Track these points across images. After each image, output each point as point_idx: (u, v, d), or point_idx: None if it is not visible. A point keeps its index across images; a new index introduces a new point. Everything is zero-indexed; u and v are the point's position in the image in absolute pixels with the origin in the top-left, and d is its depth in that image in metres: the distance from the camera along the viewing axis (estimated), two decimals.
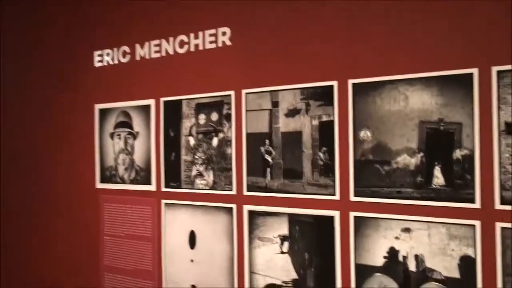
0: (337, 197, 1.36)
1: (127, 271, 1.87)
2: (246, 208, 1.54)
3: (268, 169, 1.50)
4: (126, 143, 1.87)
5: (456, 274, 1.19)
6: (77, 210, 2.01)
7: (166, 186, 1.75)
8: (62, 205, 2.06)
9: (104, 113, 1.93)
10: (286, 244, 1.47)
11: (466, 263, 1.17)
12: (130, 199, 1.86)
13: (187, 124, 1.69)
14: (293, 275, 1.46)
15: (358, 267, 1.33)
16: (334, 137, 1.37)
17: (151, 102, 1.79)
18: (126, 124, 1.87)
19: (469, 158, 1.16)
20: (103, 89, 1.94)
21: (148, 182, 1.80)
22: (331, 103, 1.37)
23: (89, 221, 1.98)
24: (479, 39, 1.16)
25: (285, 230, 1.47)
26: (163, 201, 1.76)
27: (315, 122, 1.40)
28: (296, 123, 1.44)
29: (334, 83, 1.37)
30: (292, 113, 1.45)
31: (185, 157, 1.70)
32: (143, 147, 1.82)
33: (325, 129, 1.38)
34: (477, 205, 1.16)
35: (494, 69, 1.13)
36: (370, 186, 1.31)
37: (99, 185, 1.95)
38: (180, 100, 1.71)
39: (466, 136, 1.17)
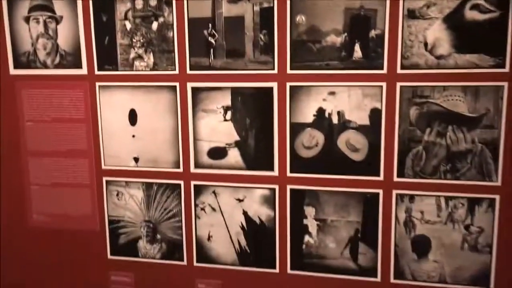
0: (275, 71, 1.67)
1: (57, 153, 1.93)
2: (190, 85, 1.76)
3: (212, 50, 1.71)
4: (46, 27, 1.84)
5: (367, 122, 1.64)
6: None
7: (100, 69, 1.83)
8: None
9: None
10: (229, 113, 1.75)
11: (375, 113, 1.63)
12: (56, 84, 1.88)
13: (121, 8, 1.76)
14: (235, 137, 1.77)
15: (292, 125, 1.70)
16: (273, 21, 1.64)
17: None
18: (45, 7, 1.82)
19: (381, 36, 1.57)
20: None
21: (78, 66, 1.84)
22: None
23: (5, 110, 1.94)
24: None
25: (228, 102, 1.74)
26: (98, 84, 1.84)
27: (257, 8, 1.65)
28: (238, 9, 1.66)
29: None
30: (235, 0, 1.67)
31: (121, 41, 1.79)
32: (69, 32, 1.82)
33: (265, 14, 1.64)
34: (384, 71, 1.59)
35: None
36: (304, 61, 1.65)
37: (14, 71, 1.90)
38: None
39: (380, 20, 1.56)
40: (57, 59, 1.86)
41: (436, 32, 1.54)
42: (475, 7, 1.49)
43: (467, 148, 1.58)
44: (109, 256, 1.97)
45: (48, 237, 2.01)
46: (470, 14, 1.50)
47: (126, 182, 1.90)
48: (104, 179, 1.91)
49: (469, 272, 1.66)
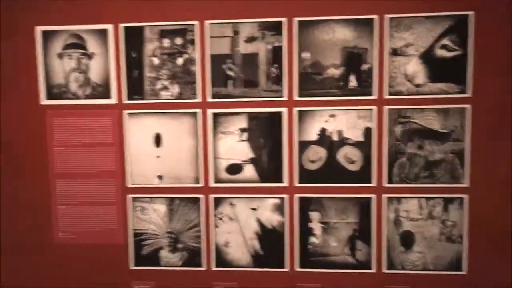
0: (285, 98, 2.01)
1: (85, 175, 2.14)
2: (211, 111, 2.05)
3: (231, 81, 2.03)
4: (79, 62, 2.08)
5: (361, 138, 2.01)
6: (19, 126, 2.13)
7: (129, 99, 2.09)
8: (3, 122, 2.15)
9: (48, 35, 2.08)
10: (245, 134, 2.06)
11: (367, 131, 2.00)
12: (86, 112, 2.11)
13: (150, 47, 2.05)
14: (251, 155, 2.07)
15: (300, 143, 2.03)
16: (283, 57, 1.99)
17: (108, 27, 2.05)
18: (78, 45, 2.07)
19: (371, 69, 1.96)
20: (45, 11, 2.07)
21: (107, 96, 2.09)
22: (281, 33, 1.98)
23: (35, 136, 2.14)
24: None
25: (244, 124, 2.05)
26: (126, 111, 2.09)
27: (269, 47, 1.99)
28: (253, 47, 2.00)
29: (284, 20, 1.97)
30: (251, 39, 2.00)
31: (149, 74, 2.06)
32: (101, 67, 2.08)
33: (276, 51, 1.99)
34: (374, 97, 1.97)
35: (387, 16, 1.94)
36: (309, 89, 2.00)
37: (46, 102, 2.11)
38: (142, 26, 2.04)
39: (370, 56, 1.96)
40: (88, 91, 2.09)
41: (414, 66, 1.95)
42: (444, 46, 1.92)
43: (441, 157, 1.98)
44: (131, 267, 2.17)
45: (73, 253, 2.18)
46: (440, 52, 1.93)
47: (150, 198, 2.13)
48: (129, 196, 2.14)
49: (446, 259, 2.03)
